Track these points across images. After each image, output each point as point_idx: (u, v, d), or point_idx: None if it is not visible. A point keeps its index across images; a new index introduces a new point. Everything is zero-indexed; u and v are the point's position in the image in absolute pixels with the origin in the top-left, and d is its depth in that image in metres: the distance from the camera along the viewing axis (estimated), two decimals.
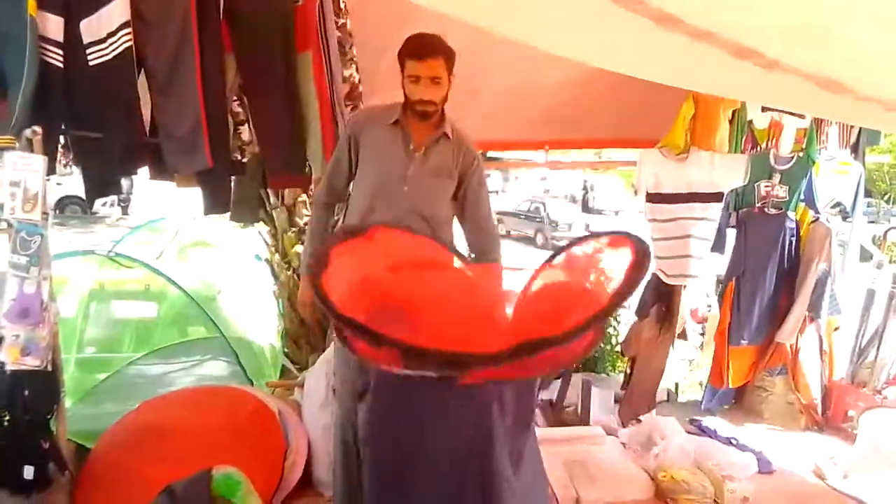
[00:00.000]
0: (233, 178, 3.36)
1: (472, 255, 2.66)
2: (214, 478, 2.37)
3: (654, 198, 3.87)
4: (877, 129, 3.87)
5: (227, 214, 3.86)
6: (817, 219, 3.97)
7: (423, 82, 2.31)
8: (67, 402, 2.92)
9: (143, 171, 3.03)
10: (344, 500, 2.50)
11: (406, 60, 2.33)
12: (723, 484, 2.95)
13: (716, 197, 3.82)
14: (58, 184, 14.17)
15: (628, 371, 4.29)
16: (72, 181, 13.75)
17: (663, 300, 3.97)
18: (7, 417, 2.26)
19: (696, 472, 3.04)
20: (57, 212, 14.71)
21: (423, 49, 2.30)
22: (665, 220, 3.85)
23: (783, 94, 1.89)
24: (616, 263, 1.60)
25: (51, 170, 2.47)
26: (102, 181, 2.74)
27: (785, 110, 3.78)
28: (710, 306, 4.42)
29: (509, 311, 1.79)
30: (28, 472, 2.22)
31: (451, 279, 1.95)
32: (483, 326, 1.68)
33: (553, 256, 1.88)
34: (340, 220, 2.73)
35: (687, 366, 5.56)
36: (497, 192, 23.38)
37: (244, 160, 3.07)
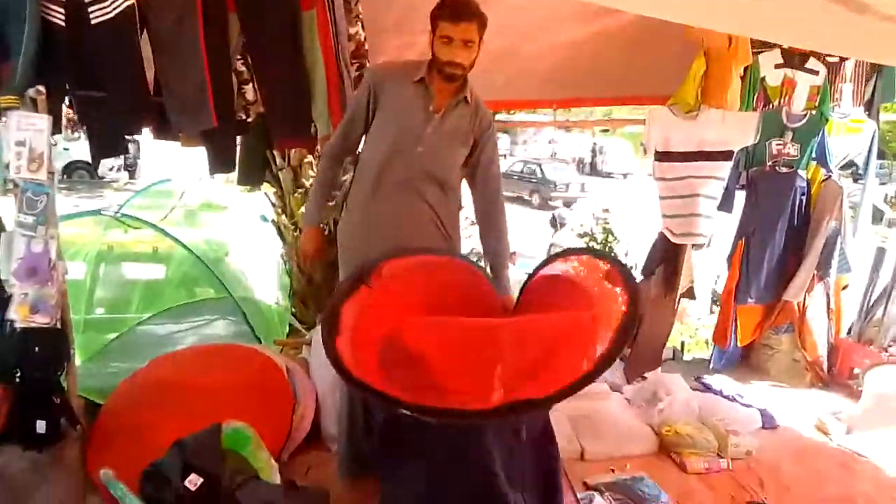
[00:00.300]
0: (238, 138, 3.36)
1: (478, 221, 2.67)
2: (224, 432, 2.42)
3: (662, 156, 3.82)
4: None
5: (234, 178, 3.85)
6: (829, 177, 3.93)
7: (455, 44, 2.28)
8: (77, 361, 2.97)
9: (149, 135, 3.04)
10: (348, 451, 2.54)
11: (439, 21, 2.29)
12: (727, 438, 2.98)
13: (726, 155, 3.77)
14: (65, 149, 14.21)
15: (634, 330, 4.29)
16: (79, 146, 13.77)
17: (670, 259, 3.96)
18: (18, 374, 2.30)
19: (700, 426, 3.07)
20: (64, 177, 14.74)
21: (459, 12, 2.27)
22: (673, 178, 3.80)
23: (871, 41, 1.79)
24: (607, 302, 1.79)
25: (55, 129, 2.47)
26: (108, 141, 2.73)
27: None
28: None
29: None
30: (40, 426, 2.27)
31: (457, 317, 2.05)
32: (482, 350, 1.80)
33: (549, 261, 2.08)
34: (350, 178, 2.71)
35: (693, 324, 5.59)
36: (505, 155, 23.25)
37: (249, 119, 3.05)
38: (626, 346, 1.68)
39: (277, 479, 2.45)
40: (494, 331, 1.90)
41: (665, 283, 3.99)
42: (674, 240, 3.89)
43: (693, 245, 3.95)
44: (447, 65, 2.31)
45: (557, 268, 2.21)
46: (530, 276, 2.28)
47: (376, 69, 2.83)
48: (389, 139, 2.40)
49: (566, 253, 2.16)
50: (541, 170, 19.90)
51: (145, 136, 2.98)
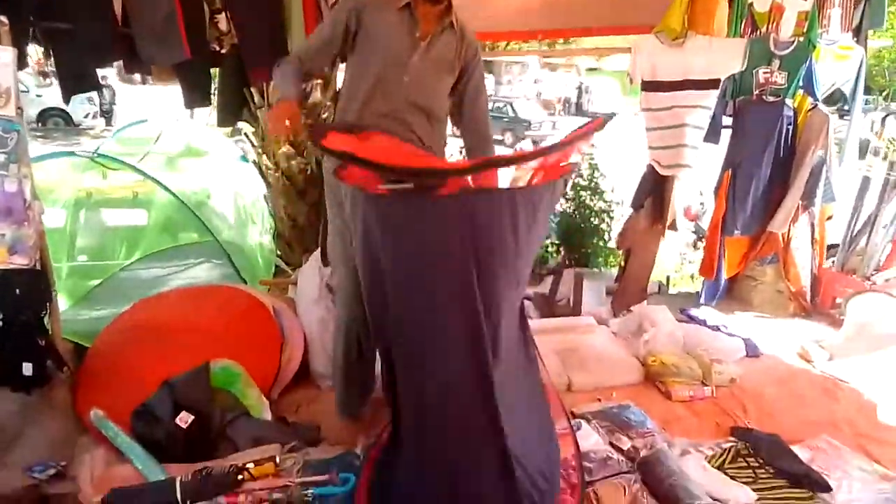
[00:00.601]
0: (213, 77, 3.25)
1: (467, 155, 2.61)
2: (213, 371, 2.42)
3: (649, 86, 3.77)
4: None
5: (213, 119, 3.74)
6: (815, 106, 3.88)
7: None
8: (63, 306, 2.94)
9: (120, 71, 2.93)
10: (345, 390, 2.53)
11: None
12: (711, 367, 3.01)
13: (712, 84, 3.70)
14: (38, 95, 13.79)
15: (622, 264, 4.31)
16: (52, 92, 13.37)
17: (658, 191, 3.94)
18: (0, 318, 2.27)
19: (684, 356, 3.10)
20: (39, 124, 14.37)
21: None
22: (660, 108, 3.75)
23: None
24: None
25: (21, 65, 2.37)
26: (77, 75, 2.64)
27: None
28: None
29: None
30: (27, 368, 2.25)
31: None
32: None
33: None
34: (332, 115, 2.62)
35: (678, 259, 5.63)
36: (491, 95, 22.88)
37: (223, 51, 2.95)
38: (595, 130, 1.77)
39: (269, 416, 2.46)
40: None
41: (653, 215, 3.99)
42: (662, 171, 3.87)
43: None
44: None
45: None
46: None
47: None
48: (374, 70, 2.30)
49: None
50: (512, 108, 19.58)
51: (119, 84, 2.88)
